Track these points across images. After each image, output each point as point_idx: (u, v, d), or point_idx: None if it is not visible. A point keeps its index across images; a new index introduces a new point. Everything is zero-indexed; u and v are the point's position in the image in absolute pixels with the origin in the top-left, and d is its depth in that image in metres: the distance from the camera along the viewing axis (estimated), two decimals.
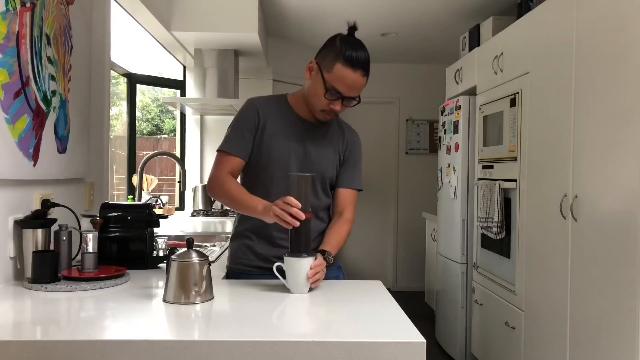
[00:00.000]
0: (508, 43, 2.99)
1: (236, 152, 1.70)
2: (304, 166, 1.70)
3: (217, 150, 1.73)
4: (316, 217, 1.68)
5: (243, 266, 1.75)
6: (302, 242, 1.47)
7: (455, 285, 3.63)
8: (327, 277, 1.74)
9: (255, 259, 1.72)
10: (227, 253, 2.18)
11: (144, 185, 3.74)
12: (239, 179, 1.76)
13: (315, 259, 1.49)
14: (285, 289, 1.48)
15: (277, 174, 1.68)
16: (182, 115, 4.50)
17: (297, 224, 1.44)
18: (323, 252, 1.58)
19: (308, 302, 1.40)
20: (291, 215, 1.44)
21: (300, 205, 1.45)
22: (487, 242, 3.22)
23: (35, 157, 1.63)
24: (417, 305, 4.96)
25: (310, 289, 1.49)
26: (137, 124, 3.94)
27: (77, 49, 1.94)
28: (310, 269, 1.46)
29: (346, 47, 1.58)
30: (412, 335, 1.12)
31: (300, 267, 1.45)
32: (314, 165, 1.71)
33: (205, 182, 4.46)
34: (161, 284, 1.57)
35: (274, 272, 1.49)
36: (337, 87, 1.59)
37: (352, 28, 1.65)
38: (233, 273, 1.79)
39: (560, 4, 2.40)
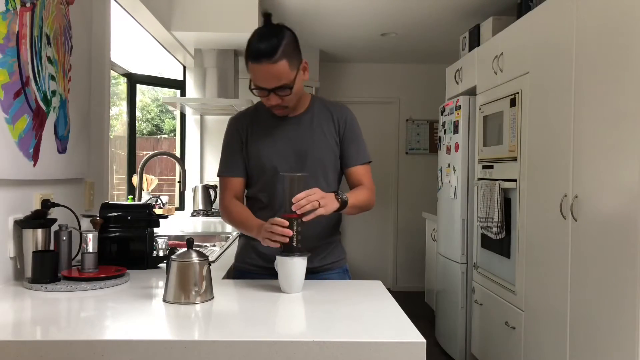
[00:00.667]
0: (508, 43, 2.99)
1: (232, 174, 1.73)
2: (297, 162, 1.68)
3: (217, 176, 1.77)
4: None
5: (248, 265, 1.76)
6: (295, 241, 1.47)
7: (455, 285, 3.63)
8: (333, 279, 1.75)
9: (257, 258, 1.73)
10: (227, 253, 2.19)
11: (144, 185, 3.74)
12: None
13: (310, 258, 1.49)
14: None
15: (272, 179, 1.68)
16: (182, 115, 4.50)
17: (287, 240, 1.45)
18: (336, 192, 1.58)
19: (308, 302, 1.40)
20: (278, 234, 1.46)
21: (286, 223, 1.45)
22: (487, 242, 3.22)
23: (35, 157, 1.63)
24: (417, 305, 4.96)
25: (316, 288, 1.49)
26: (137, 124, 3.93)
27: (77, 49, 1.94)
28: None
29: (248, 42, 1.56)
30: (412, 335, 1.12)
31: (292, 266, 1.45)
32: (307, 158, 1.69)
33: (206, 182, 4.47)
34: (161, 284, 1.57)
35: (275, 268, 1.49)
36: (256, 82, 1.57)
37: (265, 15, 1.62)
38: (238, 272, 1.80)
39: (560, 4, 2.40)
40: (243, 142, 1.72)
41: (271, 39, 1.54)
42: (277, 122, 1.72)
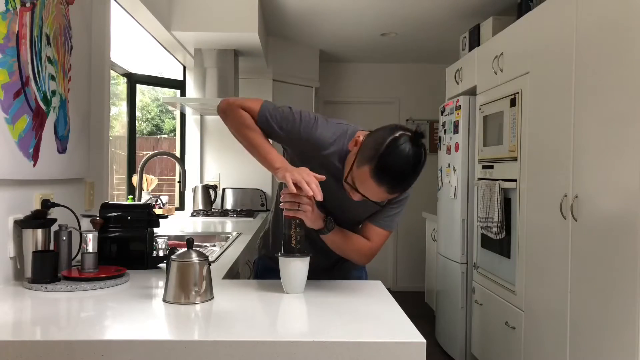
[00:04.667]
0: (508, 43, 2.99)
1: (270, 124, 1.55)
2: (334, 210, 1.54)
3: (262, 103, 1.57)
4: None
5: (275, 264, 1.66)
6: (294, 242, 1.47)
7: (455, 285, 3.63)
8: (350, 277, 1.73)
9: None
10: (227, 253, 2.18)
11: (144, 185, 3.74)
12: None
13: (310, 259, 1.47)
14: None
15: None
16: (182, 115, 4.50)
17: (310, 193, 1.36)
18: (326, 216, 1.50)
19: (308, 302, 1.40)
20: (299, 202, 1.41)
21: (322, 178, 1.40)
22: (487, 242, 3.22)
23: (35, 157, 1.62)
24: (417, 305, 4.96)
25: (308, 289, 1.49)
26: (137, 124, 3.93)
27: (77, 49, 1.94)
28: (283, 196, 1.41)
29: (386, 157, 1.31)
30: (412, 335, 1.12)
31: (294, 267, 1.45)
32: (344, 217, 1.57)
33: (206, 182, 4.47)
34: (161, 284, 1.57)
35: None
36: (357, 185, 1.38)
37: (417, 135, 1.33)
38: (262, 262, 1.81)
39: (560, 4, 2.40)
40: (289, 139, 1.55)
41: (409, 173, 1.33)
42: (337, 174, 1.49)
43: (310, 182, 1.37)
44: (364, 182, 1.36)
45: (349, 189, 1.43)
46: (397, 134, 1.33)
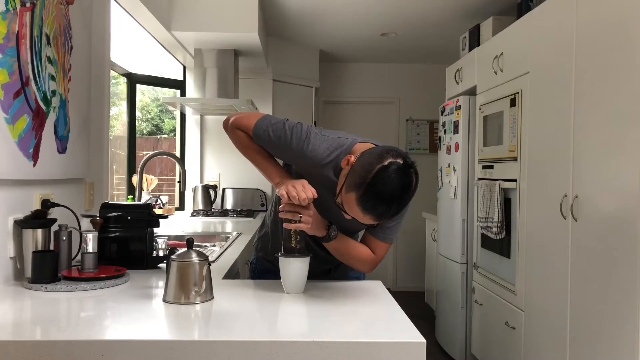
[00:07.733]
0: (508, 43, 2.99)
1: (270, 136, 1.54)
2: (333, 220, 1.51)
3: (262, 117, 1.57)
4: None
5: (273, 267, 1.66)
6: (294, 242, 1.46)
7: (455, 285, 3.63)
8: (349, 278, 1.73)
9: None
10: (227, 253, 2.18)
11: (144, 185, 3.74)
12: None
13: (310, 259, 1.47)
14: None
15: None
16: (182, 115, 4.50)
17: (303, 198, 1.38)
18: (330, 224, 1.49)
19: (307, 302, 1.40)
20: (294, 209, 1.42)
21: (315, 196, 1.40)
22: (487, 242, 3.22)
23: (35, 157, 1.62)
24: (417, 305, 4.96)
25: (308, 289, 1.49)
26: (137, 124, 3.93)
27: (77, 49, 1.94)
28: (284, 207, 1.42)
29: (372, 187, 1.28)
30: (412, 335, 1.12)
31: (295, 267, 1.45)
32: (343, 227, 1.54)
33: (206, 182, 4.47)
34: (161, 284, 1.57)
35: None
36: (345, 208, 1.37)
37: (407, 164, 1.32)
38: (260, 266, 1.81)
39: (560, 4, 2.40)
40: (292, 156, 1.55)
41: (393, 205, 1.30)
42: (333, 188, 1.45)
43: (303, 197, 1.39)
44: (351, 207, 1.34)
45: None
46: (385, 162, 1.29)
